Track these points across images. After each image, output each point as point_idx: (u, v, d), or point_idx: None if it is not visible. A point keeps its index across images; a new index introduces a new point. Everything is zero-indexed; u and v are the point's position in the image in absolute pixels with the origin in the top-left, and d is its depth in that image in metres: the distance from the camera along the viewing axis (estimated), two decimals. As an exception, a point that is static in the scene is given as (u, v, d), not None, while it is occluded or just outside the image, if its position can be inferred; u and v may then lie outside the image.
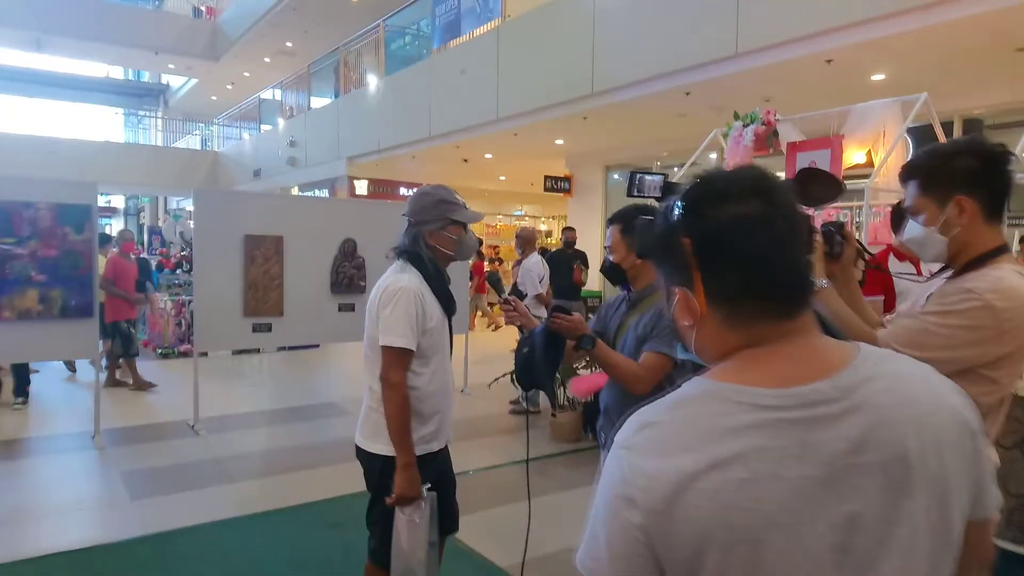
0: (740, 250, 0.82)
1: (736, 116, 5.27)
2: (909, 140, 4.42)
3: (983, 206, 1.47)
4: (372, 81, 12.66)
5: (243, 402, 6.59)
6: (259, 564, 3.21)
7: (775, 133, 4.99)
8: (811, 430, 0.76)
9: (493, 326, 11.29)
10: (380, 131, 12.14)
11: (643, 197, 1.58)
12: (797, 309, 0.83)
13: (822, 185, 1.34)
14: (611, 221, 2.26)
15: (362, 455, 2.23)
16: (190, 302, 9.26)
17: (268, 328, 5.77)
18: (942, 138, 4.67)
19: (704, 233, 0.83)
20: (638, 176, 1.58)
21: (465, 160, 12.55)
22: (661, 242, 0.90)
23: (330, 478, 4.39)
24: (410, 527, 2.13)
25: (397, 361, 2.11)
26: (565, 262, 6.56)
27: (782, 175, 5.38)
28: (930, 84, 5.52)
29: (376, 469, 2.18)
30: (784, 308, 0.83)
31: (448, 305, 2.30)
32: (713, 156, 8.52)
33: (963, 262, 1.52)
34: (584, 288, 7.23)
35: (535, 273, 5.96)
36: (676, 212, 0.86)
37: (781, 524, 0.75)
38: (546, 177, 11.96)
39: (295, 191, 15.87)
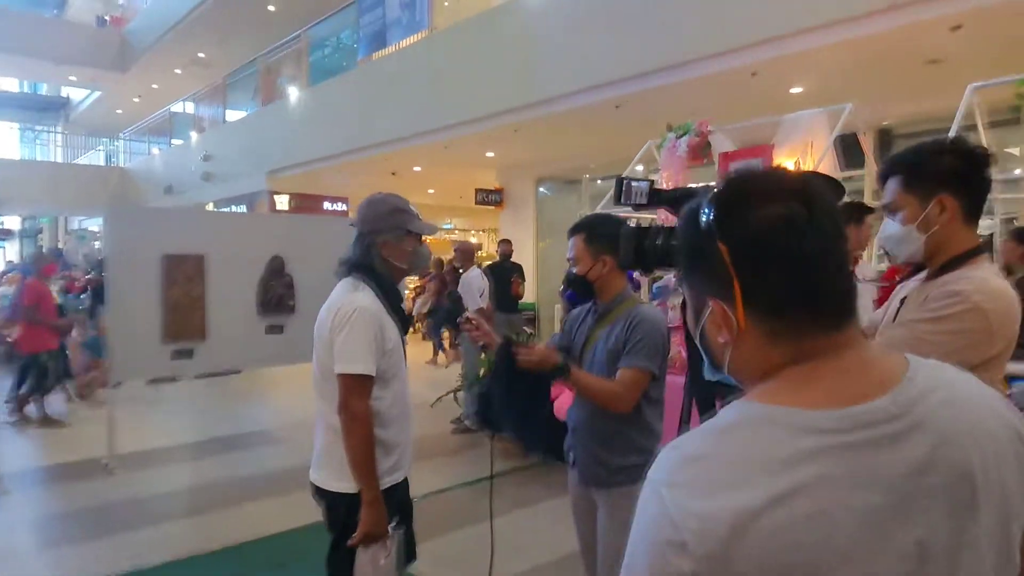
0: (786, 256, 0.74)
1: (669, 127, 5.34)
2: (834, 149, 4.59)
3: (963, 206, 1.46)
4: (294, 92, 12.25)
5: (161, 435, 6.13)
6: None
7: (708, 144, 5.09)
8: (875, 453, 0.69)
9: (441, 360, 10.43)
10: (303, 143, 11.75)
11: (630, 204, 1.50)
12: (845, 319, 0.76)
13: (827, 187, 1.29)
14: (574, 231, 2.17)
15: (324, 495, 2.04)
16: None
17: (190, 354, 5.38)
18: (866, 147, 4.88)
19: (744, 238, 0.75)
20: (626, 181, 1.49)
21: (393, 173, 12.31)
22: (691, 250, 0.82)
23: (267, 514, 4.11)
24: (375, 567, 1.96)
25: (358, 389, 1.94)
26: (503, 275, 6.48)
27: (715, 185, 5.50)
28: (845, 96, 5.78)
29: (341, 509, 1.99)
30: (833, 319, 0.76)
31: (404, 323, 2.15)
32: (640, 168, 8.62)
33: (939, 263, 1.50)
34: (520, 301, 7.18)
35: (475, 287, 5.85)
36: (708, 217, 0.78)
37: (850, 559, 0.67)
38: (477, 190, 11.87)
39: (210, 207, 15.14)
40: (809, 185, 0.77)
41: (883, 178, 1.53)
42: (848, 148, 4.70)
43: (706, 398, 1.41)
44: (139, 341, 5.11)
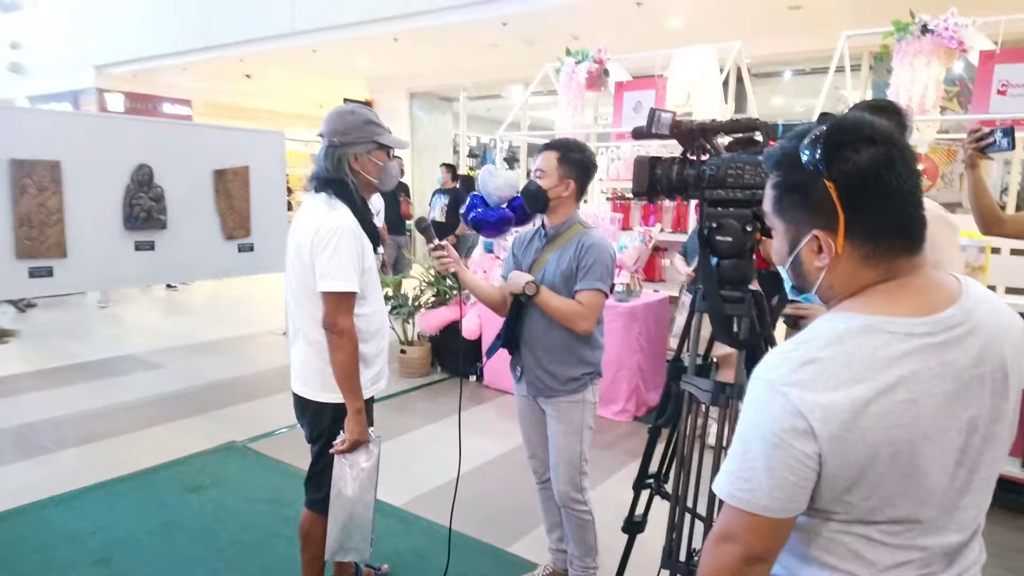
0: (886, 191, 0.89)
1: (568, 53, 5.42)
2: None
3: None
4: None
5: (17, 361, 5.52)
6: (119, 541, 2.81)
7: (606, 72, 5.25)
8: (948, 351, 0.89)
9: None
10: (140, 37, 10.39)
11: (658, 135, 1.61)
12: (921, 243, 0.94)
13: None
14: (548, 148, 2.26)
15: (311, 406, 2.06)
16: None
17: (49, 272, 4.82)
18: (748, 83, 5.29)
19: (850, 176, 0.89)
20: (656, 112, 1.61)
21: (248, 76, 11.31)
22: (792, 187, 0.95)
23: (164, 439, 3.94)
24: (357, 473, 2.04)
25: (345, 306, 1.95)
26: (391, 195, 6.36)
27: (606, 111, 5.74)
28: (716, 33, 6.18)
29: (327, 418, 2.04)
30: (916, 243, 0.93)
31: (374, 239, 2.15)
32: (518, 87, 8.67)
33: None
34: (409, 222, 7.14)
35: (372, 206, 5.70)
36: (813, 157, 0.90)
37: (930, 434, 0.89)
38: (345, 99, 11.26)
39: (21, 104, 13.05)
40: (888, 129, 0.92)
41: None
42: (728, 86, 5.08)
43: (719, 315, 1.61)
44: (-14, 258, 4.49)
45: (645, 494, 2.03)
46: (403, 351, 5.15)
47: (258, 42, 9.05)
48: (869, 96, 6.91)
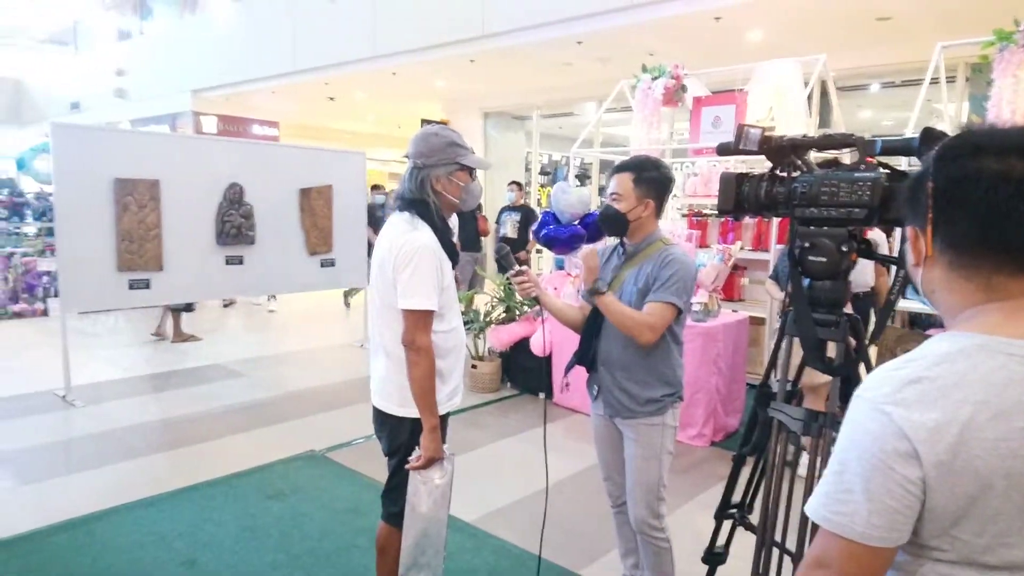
0: (977, 202, 0.84)
1: (644, 69, 5.39)
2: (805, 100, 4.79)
3: None
4: (221, 3, 11.35)
5: (113, 367, 5.88)
6: (205, 544, 2.93)
7: (684, 87, 5.18)
8: None
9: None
10: (233, 62, 11.00)
11: (746, 152, 1.57)
12: None
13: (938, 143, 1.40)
14: (622, 169, 2.24)
15: (390, 420, 2.10)
16: (11, 255, 8.03)
17: (146, 284, 5.14)
18: (833, 97, 5.11)
19: (947, 179, 0.87)
20: (745, 128, 1.57)
21: (331, 98, 11.78)
22: (913, 184, 0.93)
23: (247, 447, 4.09)
24: (431, 490, 2.05)
25: (423, 324, 1.98)
26: (469, 212, 6.45)
27: (683, 126, 5.65)
28: (798, 47, 5.99)
29: (405, 433, 2.07)
30: (1021, 267, 0.85)
31: (453, 258, 2.18)
32: (591, 105, 8.66)
33: None
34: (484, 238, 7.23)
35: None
36: (931, 158, 0.89)
37: None
38: (423, 120, 11.56)
39: (124, 127, 14.04)
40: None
41: None
42: (812, 99, 4.92)
43: (810, 339, 1.54)
44: (93, 270, 4.83)
45: (727, 524, 1.95)
46: (474, 366, 5.18)
47: (341, 66, 9.41)
48: (965, 109, 6.54)
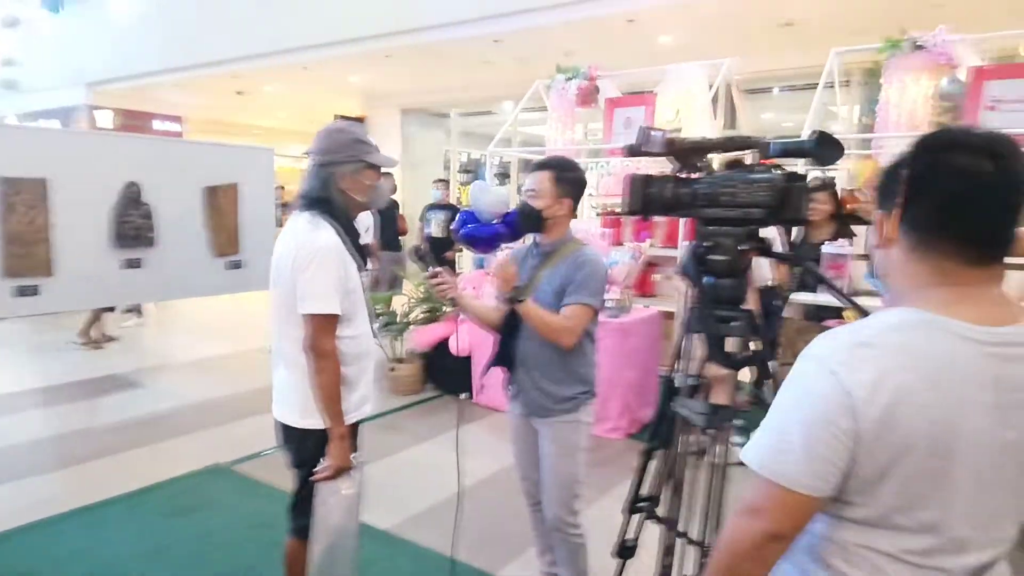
0: (944, 192, 0.92)
1: (559, 69, 5.43)
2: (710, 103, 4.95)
3: None
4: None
5: (4, 380, 5.43)
6: (105, 567, 2.73)
7: (597, 88, 5.26)
8: (1002, 365, 0.90)
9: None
10: (133, 53, 10.37)
11: (650, 153, 1.59)
12: (989, 261, 0.94)
13: (832, 147, 1.46)
14: (542, 166, 2.24)
15: (293, 432, 2.01)
16: None
17: (35, 291, 4.76)
18: (738, 101, 5.31)
19: (921, 168, 0.94)
20: (647, 130, 1.58)
21: (239, 92, 11.32)
22: (887, 172, 1.00)
23: (148, 461, 3.86)
24: (340, 501, 1.98)
25: (326, 328, 1.91)
26: (388, 211, 6.33)
27: (596, 127, 5.74)
28: (707, 50, 6.19)
29: (311, 445, 1.99)
30: (975, 256, 0.93)
31: (363, 260, 2.11)
32: (510, 104, 8.72)
33: None
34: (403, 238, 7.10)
35: (363, 223, 5.65)
36: (908, 149, 0.97)
37: (968, 441, 0.89)
38: (337, 116, 11.27)
39: (11, 121, 13.01)
40: (1005, 150, 0.91)
41: None
42: (716, 102, 5.09)
43: (714, 333, 1.57)
44: (-29, 276, 4.42)
45: (640, 518, 1.97)
46: (393, 368, 5.09)
47: (250, 59, 9.05)
48: (856, 111, 6.94)
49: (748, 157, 1.62)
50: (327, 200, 1.98)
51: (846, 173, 5.52)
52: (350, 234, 2.04)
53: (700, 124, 4.80)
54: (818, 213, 4.25)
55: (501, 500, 3.37)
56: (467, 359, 4.81)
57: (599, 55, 6.95)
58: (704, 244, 1.59)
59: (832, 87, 4.55)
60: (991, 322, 0.91)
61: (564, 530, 2.29)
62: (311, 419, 1.96)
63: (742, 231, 1.55)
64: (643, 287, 5.41)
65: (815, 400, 0.91)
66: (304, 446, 2.00)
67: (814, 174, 5.39)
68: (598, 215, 5.88)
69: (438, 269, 2.17)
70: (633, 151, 1.63)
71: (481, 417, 4.64)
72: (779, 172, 1.50)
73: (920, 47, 3.80)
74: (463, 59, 8.33)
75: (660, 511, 1.81)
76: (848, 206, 4.34)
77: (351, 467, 2.00)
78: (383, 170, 2.17)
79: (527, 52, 7.72)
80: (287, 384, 2.01)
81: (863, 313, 1.18)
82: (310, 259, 1.89)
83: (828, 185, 4.44)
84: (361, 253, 2.09)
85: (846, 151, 4.95)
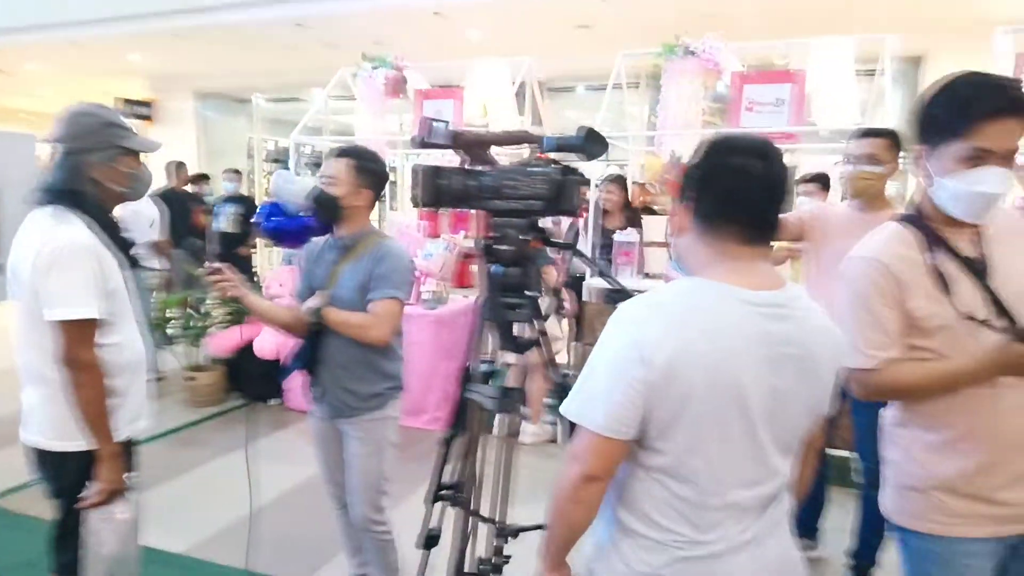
0: (723, 186, 1.11)
1: (364, 58, 5.29)
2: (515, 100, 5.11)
3: None
4: None
5: None
6: None
7: (405, 79, 5.20)
8: (768, 323, 1.08)
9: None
10: None
11: (435, 145, 1.58)
12: (759, 240, 1.13)
13: (597, 143, 1.54)
14: (343, 153, 2.17)
15: (49, 458, 1.75)
16: None
17: None
18: (539, 99, 5.53)
19: (707, 168, 1.13)
20: (430, 121, 1.57)
21: (-2, 71, 9.73)
22: (686, 172, 1.17)
23: None
24: (116, 527, 1.78)
25: (82, 336, 1.67)
26: (180, 204, 5.77)
27: (409, 118, 5.68)
28: (513, 48, 6.40)
29: (72, 470, 1.74)
30: (748, 236, 1.12)
31: (128, 255, 1.89)
32: (318, 90, 8.39)
33: None
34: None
35: (145, 216, 5.10)
36: (699, 150, 1.15)
37: (744, 384, 1.05)
38: (119, 100, 10.08)
39: None
40: (771, 152, 1.11)
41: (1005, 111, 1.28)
42: (521, 99, 5.27)
43: (502, 320, 1.61)
44: None
45: (440, 506, 1.99)
46: (191, 378, 4.67)
47: (8, 33, 7.78)
48: (647, 111, 7.56)
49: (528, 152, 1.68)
50: (76, 192, 1.75)
51: (639, 168, 6.00)
52: (108, 229, 1.81)
53: (506, 120, 4.94)
54: (611, 204, 4.59)
55: (314, 508, 3.23)
56: (275, 363, 4.55)
57: (409, 46, 6.90)
58: (493, 235, 1.63)
59: (621, 88, 4.89)
60: (760, 288, 1.09)
61: (371, 529, 2.26)
62: (69, 441, 1.72)
63: (525, 222, 1.61)
64: (462, 279, 5.48)
65: (614, 354, 1.06)
66: (63, 472, 1.76)
67: (610, 169, 5.81)
68: (415, 207, 5.84)
69: (217, 265, 2.01)
70: (418, 143, 1.63)
71: (293, 422, 4.42)
72: (555, 166, 1.57)
73: (692, 53, 4.21)
74: (264, 42, 7.83)
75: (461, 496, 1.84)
76: (640, 199, 4.72)
77: (125, 489, 1.79)
78: (192, 163, 1.96)
79: (334, 38, 7.44)
80: (37, 403, 1.75)
81: (626, 293, 1.31)
82: (53, 259, 1.65)
83: (619, 178, 4.81)
84: (124, 249, 1.87)
85: (638, 148, 5.38)
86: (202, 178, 7.07)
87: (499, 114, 4.96)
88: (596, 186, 4.72)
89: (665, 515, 1.09)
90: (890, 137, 2.41)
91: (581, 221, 4.34)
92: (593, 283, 4.28)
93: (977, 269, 1.35)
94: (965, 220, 1.35)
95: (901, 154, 2.49)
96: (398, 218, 5.32)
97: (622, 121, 5.85)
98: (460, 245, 5.02)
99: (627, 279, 4.14)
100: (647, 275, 4.21)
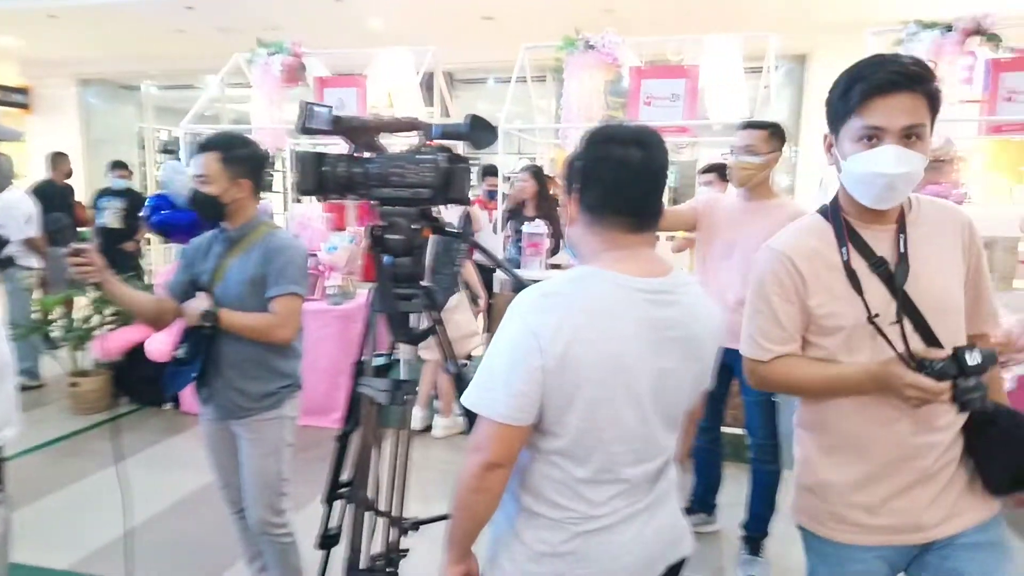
0: (605, 177, 1.13)
1: (261, 43, 5.08)
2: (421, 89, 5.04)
3: None
4: None
5: None
6: None
7: (303, 66, 5.03)
8: (655, 308, 1.12)
9: None
10: None
11: (316, 131, 1.52)
12: (643, 228, 1.17)
13: (485, 130, 1.53)
14: (206, 147, 2.05)
15: None
16: None
17: None
18: (443, 88, 5.47)
19: (588, 160, 1.15)
20: (310, 106, 1.51)
21: None
22: (569, 161, 1.19)
23: None
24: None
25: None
26: (60, 198, 5.34)
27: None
28: (417, 37, 6.33)
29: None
30: (633, 225, 1.15)
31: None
32: (212, 77, 8.04)
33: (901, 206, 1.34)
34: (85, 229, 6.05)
35: (20, 211, 4.70)
36: (581, 142, 1.16)
37: (632, 368, 1.09)
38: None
39: None
40: (649, 139, 1.13)
41: (889, 88, 1.21)
42: (430, 87, 5.21)
43: (394, 311, 1.58)
44: None
45: (339, 504, 1.95)
46: (74, 384, 4.36)
47: None
48: (555, 104, 7.65)
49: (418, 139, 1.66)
50: None
51: (548, 161, 6.07)
52: None
53: (411, 110, 4.86)
54: (525, 192, 4.65)
55: (210, 514, 3.09)
56: (167, 364, 4.30)
57: (308, 32, 6.68)
58: (382, 224, 1.60)
59: (525, 81, 4.92)
60: (647, 275, 1.13)
61: (270, 532, 2.18)
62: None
63: (414, 210, 1.59)
64: (369, 273, 5.37)
65: (512, 343, 1.07)
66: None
67: (523, 162, 5.85)
68: (320, 200, 5.66)
69: (80, 246, 1.85)
70: (299, 128, 1.57)
71: (189, 427, 4.19)
72: (443, 154, 1.56)
73: (591, 47, 4.28)
74: (152, 26, 7.39)
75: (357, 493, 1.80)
76: (552, 190, 4.78)
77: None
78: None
79: (228, 22, 7.11)
80: None
81: (522, 283, 1.33)
82: None
83: (531, 167, 4.86)
84: None
85: (546, 141, 5.42)
86: (117, 166, 6.47)
87: (404, 104, 4.88)
88: (507, 178, 4.74)
89: (562, 495, 1.13)
90: (767, 129, 2.53)
91: (496, 212, 4.34)
92: (503, 274, 4.30)
93: (888, 271, 1.27)
94: (871, 206, 1.27)
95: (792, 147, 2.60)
96: (300, 210, 5.14)
97: (531, 114, 5.90)
98: (366, 237, 4.90)
99: (536, 270, 4.18)
100: (557, 266, 4.26)
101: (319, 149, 3.71)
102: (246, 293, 2.07)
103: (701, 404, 1.32)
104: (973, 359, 1.16)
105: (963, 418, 1.31)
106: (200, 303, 2.02)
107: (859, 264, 1.29)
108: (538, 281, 1.16)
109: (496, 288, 4.34)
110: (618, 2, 5.70)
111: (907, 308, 1.26)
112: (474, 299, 4.20)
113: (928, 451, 1.29)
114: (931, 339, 1.27)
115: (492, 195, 5.31)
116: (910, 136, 1.21)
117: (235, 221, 2.11)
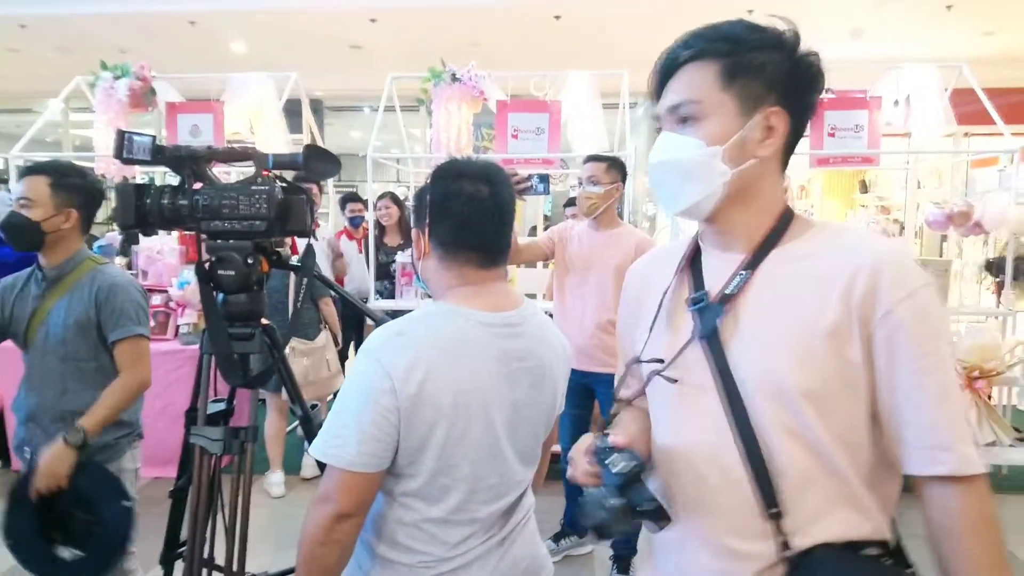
0: (456, 213, 1.13)
1: (104, 66, 4.72)
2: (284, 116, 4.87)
3: (793, 128, 0.94)
4: None
5: None
6: None
7: (153, 91, 4.72)
8: (505, 341, 1.13)
9: None
10: None
11: (136, 161, 1.41)
12: (493, 264, 1.17)
13: (324, 161, 1.47)
14: (37, 171, 1.90)
15: None
16: None
17: None
18: (308, 116, 5.33)
19: (438, 194, 1.14)
20: (127, 135, 1.39)
21: None
22: (418, 195, 1.18)
23: None
24: None
25: None
26: None
27: (164, 133, 5.15)
28: (282, 63, 6.16)
29: None
30: (483, 260, 1.16)
31: None
32: (55, 102, 7.47)
33: (768, 227, 0.94)
34: None
35: None
36: (430, 178, 1.17)
37: (487, 403, 1.08)
38: None
39: None
40: (495, 175, 1.14)
41: (672, 64, 0.94)
42: (291, 115, 5.04)
43: (226, 355, 1.48)
44: None
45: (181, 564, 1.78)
46: None
47: None
48: (428, 134, 7.67)
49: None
50: None
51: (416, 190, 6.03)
52: None
53: (272, 137, 4.69)
54: (387, 219, 4.61)
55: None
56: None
57: (160, 56, 6.31)
58: (212, 259, 1.50)
59: (395, 110, 4.90)
60: (497, 309, 1.13)
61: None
62: None
63: (248, 244, 1.50)
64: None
65: (363, 386, 1.03)
66: None
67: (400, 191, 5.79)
68: (169, 233, 5.30)
69: None
70: (119, 158, 1.45)
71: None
72: (280, 184, 1.49)
73: (457, 79, 4.33)
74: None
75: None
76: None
77: None
78: None
79: (69, 43, 6.58)
80: None
81: (376, 319, 1.32)
82: None
83: (391, 195, 4.82)
84: None
85: (418, 171, 5.38)
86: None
87: (266, 131, 4.69)
88: (375, 205, 4.65)
89: (416, 539, 1.09)
90: (606, 161, 2.70)
91: (363, 242, 4.23)
92: (377, 304, 4.20)
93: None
94: (667, 210, 1.15)
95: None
96: (148, 243, 4.77)
97: (406, 142, 5.87)
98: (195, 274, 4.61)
99: (412, 300, 4.12)
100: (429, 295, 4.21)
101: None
102: (71, 337, 1.90)
103: (555, 431, 1.33)
104: (616, 464, 0.84)
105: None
106: (55, 444, 1.79)
107: (680, 296, 0.98)
108: (410, 311, 1.14)
109: (369, 322, 4.22)
110: (484, 35, 5.83)
111: (720, 361, 0.90)
112: (335, 338, 4.06)
113: None
114: (746, 426, 0.88)
115: (355, 223, 5.20)
116: (687, 120, 0.92)
117: (54, 257, 1.94)
